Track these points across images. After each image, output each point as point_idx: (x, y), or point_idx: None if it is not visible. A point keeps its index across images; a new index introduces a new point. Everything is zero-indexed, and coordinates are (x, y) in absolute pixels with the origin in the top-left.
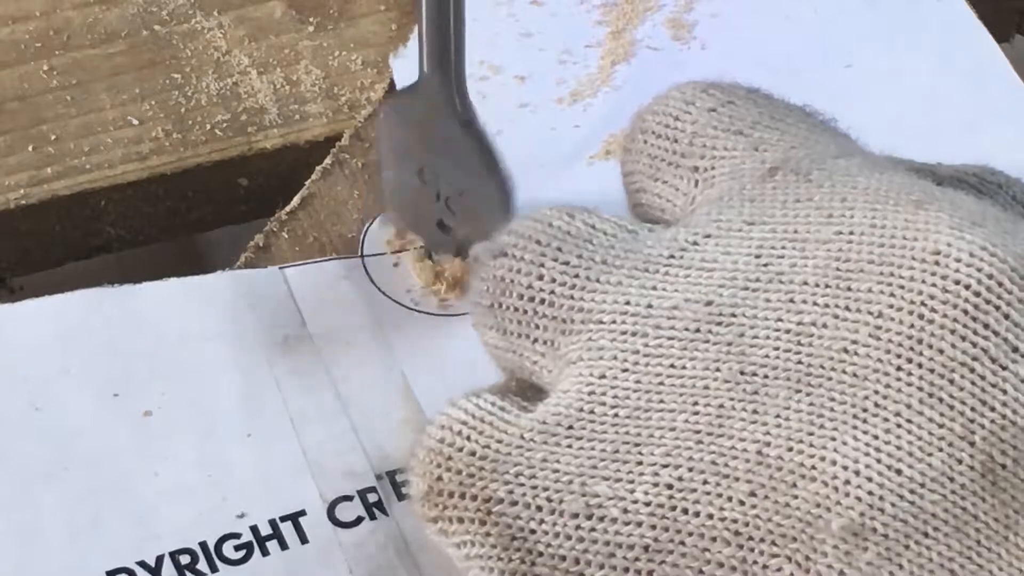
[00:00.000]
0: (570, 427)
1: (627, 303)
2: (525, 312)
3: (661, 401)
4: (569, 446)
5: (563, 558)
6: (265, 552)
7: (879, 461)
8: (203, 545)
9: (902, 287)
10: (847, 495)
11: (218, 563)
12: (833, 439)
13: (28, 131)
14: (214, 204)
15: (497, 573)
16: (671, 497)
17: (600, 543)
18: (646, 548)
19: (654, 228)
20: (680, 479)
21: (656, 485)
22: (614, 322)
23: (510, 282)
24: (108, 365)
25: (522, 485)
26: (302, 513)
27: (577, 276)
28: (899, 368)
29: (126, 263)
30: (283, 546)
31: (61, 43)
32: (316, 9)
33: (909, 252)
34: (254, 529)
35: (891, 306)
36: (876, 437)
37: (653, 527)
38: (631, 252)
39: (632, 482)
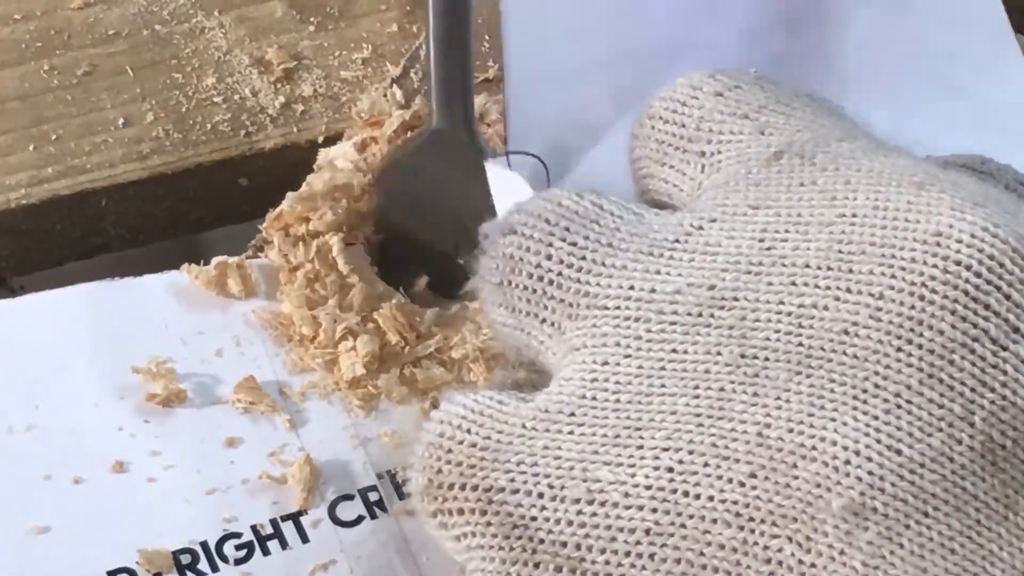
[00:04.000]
0: (572, 414)
1: (631, 288)
2: (534, 291)
3: (663, 386)
4: (571, 433)
5: (564, 544)
6: (266, 552)
7: (879, 441)
8: (204, 544)
9: (903, 268)
10: (847, 475)
11: (219, 563)
12: (833, 420)
13: (29, 130)
14: (214, 204)
15: (498, 563)
16: (672, 480)
17: (601, 528)
18: (647, 531)
19: (660, 212)
20: (681, 462)
21: (657, 468)
22: (618, 308)
23: (519, 260)
24: (109, 361)
25: (523, 473)
26: (303, 512)
27: (584, 259)
28: (899, 349)
29: (127, 262)
30: (284, 545)
31: (62, 42)
32: (317, 9)
33: (911, 233)
34: (255, 528)
35: (892, 287)
36: (876, 418)
37: (654, 510)
38: (636, 236)
39: (633, 466)
